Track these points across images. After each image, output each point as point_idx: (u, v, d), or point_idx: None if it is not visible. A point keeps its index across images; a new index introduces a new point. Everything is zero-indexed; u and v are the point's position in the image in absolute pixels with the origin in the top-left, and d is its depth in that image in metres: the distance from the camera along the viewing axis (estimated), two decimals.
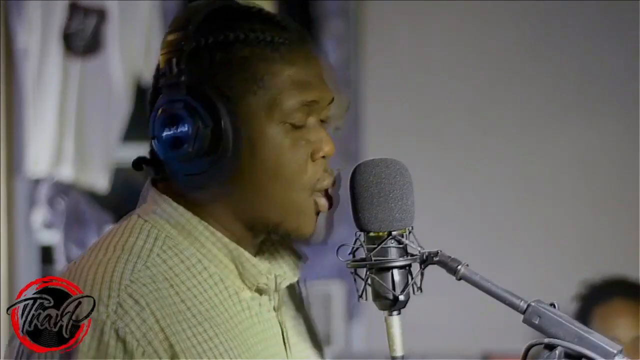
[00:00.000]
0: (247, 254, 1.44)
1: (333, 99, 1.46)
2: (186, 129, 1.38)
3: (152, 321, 1.34)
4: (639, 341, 2.78)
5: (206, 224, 1.43)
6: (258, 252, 1.48)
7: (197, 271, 1.42)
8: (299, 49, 1.44)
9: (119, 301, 1.34)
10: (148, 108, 1.45)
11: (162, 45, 1.43)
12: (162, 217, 1.44)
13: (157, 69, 1.44)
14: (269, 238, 1.49)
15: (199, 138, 1.37)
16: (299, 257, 1.53)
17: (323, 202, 1.45)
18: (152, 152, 1.46)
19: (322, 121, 1.46)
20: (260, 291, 1.47)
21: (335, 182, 1.46)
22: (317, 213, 1.45)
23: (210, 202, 1.43)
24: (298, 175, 1.42)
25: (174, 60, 1.39)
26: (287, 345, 1.50)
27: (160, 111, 1.40)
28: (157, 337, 1.34)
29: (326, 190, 1.45)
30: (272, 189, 1.42)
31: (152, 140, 1.43)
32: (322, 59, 1.48)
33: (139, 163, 1.46)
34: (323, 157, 1.44)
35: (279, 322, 1.49)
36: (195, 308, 1.39)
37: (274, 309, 1.49)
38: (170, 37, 1.41)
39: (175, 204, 1.44)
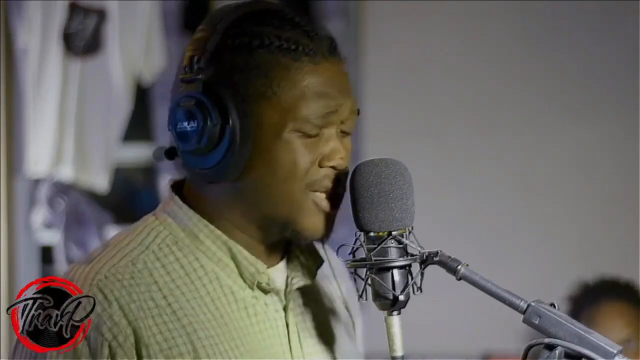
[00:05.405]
0: (245, 252, 1.46)
1: (358, 111, 1.47)
2: (196, 125, 1.40)
3: (119, 316, 1.38)
4: (629, 344, 2.75)
5: (206, 222, 1.46)
6: (279, 255, 1.50)
7: (193, 268, 1.45)
8: (324, 60, 1.44)
9: None
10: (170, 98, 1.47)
11: (188, 42, 1.46)
12: (170, 215, 1.48)
13: (180, 64, 1.46)
14: (288, 241, 1.50)
15: (206, 134, 1.40)
16: (316, 260, 1.54)
17: (324, 202, 1.45)
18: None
19: (344, 132, 1.47)
20: (264, 290, 1.47)
21: (343, 184, 1.45)
22: (325, 213, 1.45)
23: (222, 201, 1.45)
24: (301, 177, 1.43)
25: (195, 58, 1.42)
26: (291, 346, 1.50)
27: (175, 105, 1.43)
28: (123, 332, 1.37)
29: (330, 191, 1.45)
30: (277, 189, 1.43)
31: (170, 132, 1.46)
32: (348, 71, 1.48)
33: (172, 152, 1.47)
34: (332, 167, 1.44)
35: (287, 323, 1.50)
36: (177, 304, 1.41)
37: (284, 309, 1.49)
38: (197, 36, 1.45)
39: (182, 204, 1.47)
